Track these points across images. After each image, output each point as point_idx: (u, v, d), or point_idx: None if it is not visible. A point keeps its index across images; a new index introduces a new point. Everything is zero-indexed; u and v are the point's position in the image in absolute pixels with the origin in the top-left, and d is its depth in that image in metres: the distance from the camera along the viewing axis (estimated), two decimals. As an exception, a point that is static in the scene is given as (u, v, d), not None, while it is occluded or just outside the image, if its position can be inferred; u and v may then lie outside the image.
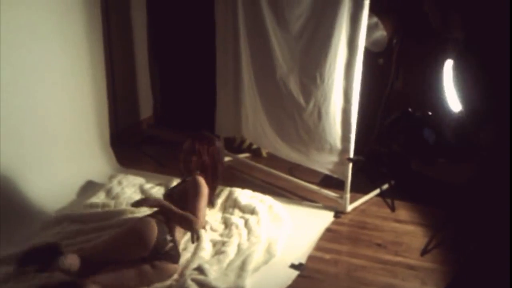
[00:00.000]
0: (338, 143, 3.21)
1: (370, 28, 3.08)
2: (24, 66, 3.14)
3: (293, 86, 3.35)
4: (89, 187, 3.57)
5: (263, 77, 3.58)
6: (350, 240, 2.98)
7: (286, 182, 3.71)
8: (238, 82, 3.81)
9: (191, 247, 2.83)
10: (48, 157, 3.40)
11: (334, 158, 3.26)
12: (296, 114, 3.39)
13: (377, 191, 3.49)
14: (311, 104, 3.26)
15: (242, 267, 2.59)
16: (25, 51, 3.13)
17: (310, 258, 2.78)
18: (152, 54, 4.96)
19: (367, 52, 3.10)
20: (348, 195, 3.25)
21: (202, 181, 2.79)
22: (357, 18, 2.89)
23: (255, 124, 3.80)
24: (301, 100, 3.32)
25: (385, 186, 3.49)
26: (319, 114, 3.24)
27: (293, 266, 2.69)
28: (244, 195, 3.30)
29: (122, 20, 4.57)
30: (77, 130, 3.69)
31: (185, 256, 2.74)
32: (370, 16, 2.99)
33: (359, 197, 3.41)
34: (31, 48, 3.18)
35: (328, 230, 3.09)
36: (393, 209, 3.31)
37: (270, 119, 3.63)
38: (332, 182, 3.45)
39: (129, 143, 4.49)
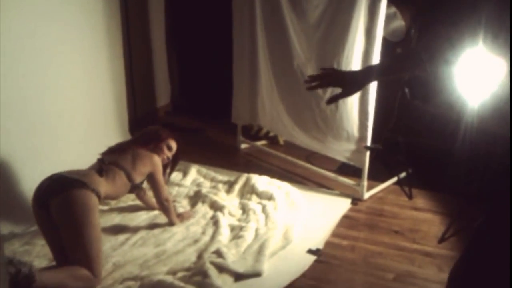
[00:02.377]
0: (355, 131, 3.21)
1: (389, 18, 3.07)
2: (43, 53, 3.17)
3: (310, 73, 3.34)
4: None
5: (280, 65, 3.59)
6: (367, 227, 2.99)
7: (303, 170, 3.72)
8: (254, 71, 3.82)
9: (210, 231, 2.87)
10: (67, 142, 3.43)
11: (352, 146, 3.27)
12: (313, 102, 3.40)
13: (394, 179, 3.49)
14: (328, 92, 3.25)
15: (260, 251, 2.62)
16: (44, 38, 3.16)
17: (327, 244, 2.80)
18: (170, 43, 5.00)
19: (385, 41, 3.09)
20: (365, 183, 3.25)
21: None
22: (375, 7, 2.89)
23: (272, 112, 3.81)
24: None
25: (403, 174, 3.49)
26: (337, 102, 3.23)
27: (310, 251, 2.71)
28: (261, 182, 3.33)
29: (140, 7, 4.60)
30: (96, 116, 3.74)
31: (203, 240, 2.78)
32: (388, 6, 2.98)
33: (377, 185, 3.42)
34: (50, 36, 3.21)
35: (345, 217, 3.10)
36: (410, 197, 3.30)
37: (287, 107, 3.64)
38: (349, 169, 3.46)
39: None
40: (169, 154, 3.03)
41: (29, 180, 2.96)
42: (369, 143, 3.17)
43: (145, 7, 4.66)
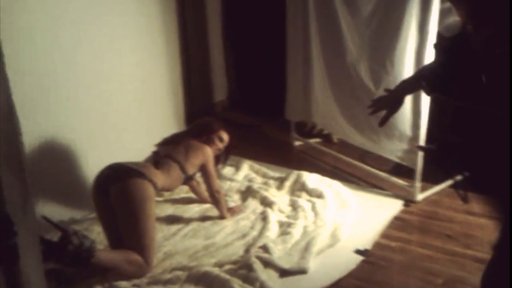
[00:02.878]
0: (408, 130, 3.15)
1: (443, 13, 2.99)
2: (100, 44, 3.28)
3: (363, 71, 3.32)
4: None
5: (333, 62, 3.57)
6: (419, 230, 2.93)
7: (356, 169, 3.69)
8: (308, 67, 3.83)
9: (258, 226, 2.91)
10: (125, 133, 3.54)
11: (404, 146, 3.21)
12: (366, 100, 3.33)
13: (450, 181, 3.39)
14: (381, 89, 3.20)
15: (306, 249, 2.63)
16: (101, 30, 3.27)
17: (376, 245, 2.77)
18: (227, 38, 5.07)
19: (440, 36, 3.01)
20: (418, 184, 3.19)
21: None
22: (428, 3, 2.82)
23: (325, 109, 3.80)
24: (371, 85, 3.29)
25: (459, 177, 3.38)
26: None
27: (358, 251, 2.69)
28: (312, 179, 3.33)
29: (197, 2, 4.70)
30: (152, 109, 3.85)
31: (251, 235, 2.82)
32: (443, 0, 2.90)
33: (431, 187, 3.33)
34: (107, 28, 3.32)
35: (397, 218, 3.05)
36: (466, 201, 3.19)
37: (340, 104, 3.62)
38: (404, 170, 3.39)
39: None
40: (220, 146, 3.09)
41: (90, 168, 3.12)
42: (422, 143, 3.10)
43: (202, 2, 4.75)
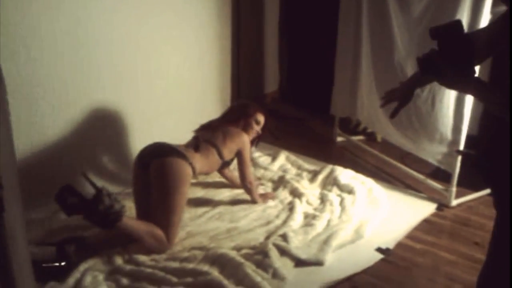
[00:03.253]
0: (449, 134, 3.06)
1: (496, 16, 2.87)
2: (155, 31, 3.40)
3: (410, 70, 3.25)
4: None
5: (381, 60, 3.52)
6: (447, 235, 2.85)
7: (395, 169, 3.63)
8: (356, 64, 3.79)
9: (284, 215, 2.94)
10: (170, 122, 3.64)
11: (443, 149, 3.12)
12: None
13: (488, 190, 3.27)
14: (426, 91, 3.14)
15: (326, 241, 2.63)
16: (156, 18, 3.39)
17: (399, 245, 2.72)
18: (282, 32, 5.09)
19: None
20: (454, 189, 3.09)
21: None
22: (478, 6, 2.73)
23: (369, 107, 3.75)
24: (417, 86, 3.21)
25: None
26: (433, 102, 3.11)
27: (379, 249, 2.66)
28: (345, 175, 3.31)
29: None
30: (200, 98, 3.94)
31: (275, 223, 2.86)
32: (497, 3, 2.78)
33: (468, 193, 3.23)
34: (162, 19, 3.44)
35: (426, 221, 2.98)
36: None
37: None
38: (443, 174, 3.30)
39: (250, 114, 4.68)
40: (258, 129, 3.13)
41: (132, 147, 3.28)
42: (461, 147, 3.00)
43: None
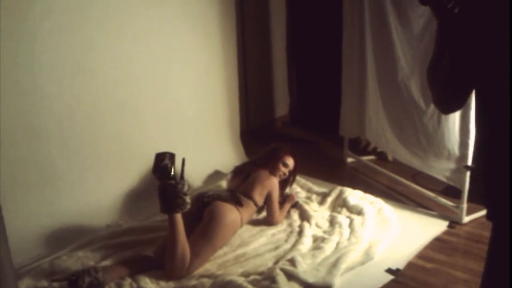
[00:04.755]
0: (456, 149, 3.04)
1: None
2: (158, 57, 3.46)
3: (414, 88, 3.26)
4: (216, 176, 3.83)
5: (386, 78, 3.53)
6: (460, 252, 2.81)
7: (406, 188, 3.60)
8: (362, 84, 3.80)
9: (293, 239, 2.93)
10: (179, 146, 3.65)
11: (452, 165, 3.09)
12: (416, 117, 3.28)
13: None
14: (431, 108, 3.13)
15: (335, 264, 2.60)
16: (158, 43, 3.46)
17: (410, 265, 2.69)
18: (290, 56, 5.14)
19: None
20: (464, 205, 3.05)
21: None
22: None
23: (377, 126, 3.75)
24: (422, 103, 3.21)
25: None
26: (439, 118, 3.10)
27: (389, 270, 2.63)
28: (354, 196, 3.30)
29: (260, 18, 4.81)
30: (208, 123, 3.98)
31: (284, 247, 2.85)
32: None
33: (480, 209, 3.17)
34: (168, 45, 3.51)
35: (438, 239, 2.94)
36: None
37: (390, 121, 3.56)
38: (455, 191, 3.26)
39: (261, 138, 4.72)
40: (285, 171, 3.21)
41: (139, 177, 3.32)
42: (469, 163, 2.97)
43: (266, 19, 4.86)
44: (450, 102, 1.35)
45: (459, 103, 1.35)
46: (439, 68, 1.33)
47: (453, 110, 1.40)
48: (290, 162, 3.24)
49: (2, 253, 1.16)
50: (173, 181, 2.49)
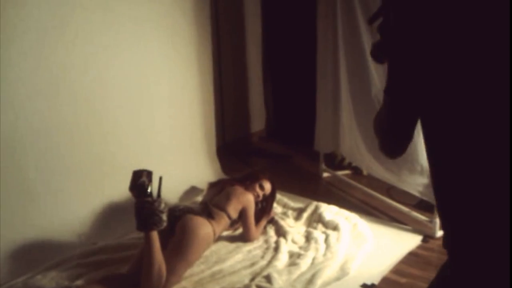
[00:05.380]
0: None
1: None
2: (136, 75, 3.49)
3: (387, 104, 3.31)
4: (192, 192, 3.82)
5: (359, 94, 3.58)
6: (433, 267, 2.84)
7: (381, 202, 3.65)
8: (336, 99, 3.86)
9: (269, 256, 2.93)
10: (155, 162, 3.65)
11: (425, 180, 3.15)
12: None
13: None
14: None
15: (311, 280, 2.62)
16: (138, 63, 3.49)
17: (384, 280, 2.72)
18: (265, 70, 5.18)
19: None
20: (437, 220, 3.10)
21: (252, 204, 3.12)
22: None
23: (351, 141, 3.80)
24: (394, 119, 3.26)
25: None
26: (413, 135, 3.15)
27: (364, 285, 2.65)
28: (329, 211, 3.33)
29: (235, 33, 4.85)
30: (184, 138, 3.98)
31: (260, 264, 2.85)
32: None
33: (453, 223, 3.23)
34: (143, 60, 3.53)
35: (412, 254, 2.98)
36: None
37: (364, 137, 3.60)
38: (428, 205, 3.32)
39: (237, 154, 4.73)
40: (260, 193, 3.22)
41: (118, 190, 3.30)
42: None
43: (241, 32, 4.90)
44: (393, 146, 1.41)
45: (402, 147, 1.40)
46: (381, 112, 1.36)
47: (398, 154, 1.43)
48: (267, 186, 3.26)
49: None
50: (150, 199, 2.49)
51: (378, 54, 1.37)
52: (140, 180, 2.50)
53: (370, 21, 1.38)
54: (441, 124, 1.22)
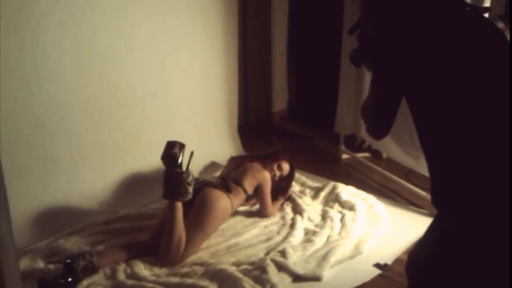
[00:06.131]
0: (448, 149, 3.09)
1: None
2: (162, 53, 3.54)
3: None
4: (212, 167, 3.88)
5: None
6: (447, 250, 2.87)
7: (399, 186, 3.66)
8: (359, 81, 3.84)
9: (284, 232, 2.99)
10: (178, 136, 3.69)
11: (443, 165, 3.15)
12: (410, 117, 3.33)
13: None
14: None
15: (325, 257, 2.67)
16: (164, 42, 3.53)
17: (398, 260, 2.75)
18: (290, 51, 5.18)
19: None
20: (454, 205, 3.11)
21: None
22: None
23: (372, 124, 3.80)
24: (417, 103, 3.27)
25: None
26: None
27: (377, 265, 2.70)
28: (346, 191, 3.36)
29: (262, 13, 4.86)
30: (207, 115, 4.03)
31: (275, 239, 2.91)
32: (496, 20, 2.83)
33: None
34: (169, 39, 3.57)
35: (426, 237, 3.00)
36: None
37: (385, 120, 3.61)
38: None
39: (259, 132, 4.77)
40: (277, 173, 3.25)
41: (140, 165, 3.39)
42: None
43: (267, 14, 4.90)
44: (381, 128, 1.65)
45: (388, 128, 1.64)
46: (368, 100, 1.61)
47: (385, 135, 1.67)
48: (286, 167, 3.29)
49: (6, 234, 1.22)
50: (179, 170, 2.59)
51: (357, 58, 1.68)
52: (172, 151, 2.60)
53: (350, 32, 1.67)
54: (427, 102, 1.49)
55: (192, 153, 2.65)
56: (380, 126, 1.64)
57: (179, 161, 2.61)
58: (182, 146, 2.64)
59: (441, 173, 1.51)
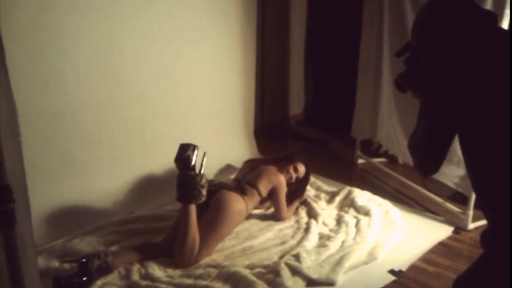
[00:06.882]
0: (466, 156, 3.07)
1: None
2: (178, 53, 3.54)
3: (428, 93, 3.28)
4: (227, 170, 3.89)
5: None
6: (463, 258, 2.84)
7: (415, 192, 3.64)
8: (377, 86, 3.83)
9: (299, 236, 2.99)
10: (194, 138, 3.70)
11: (461, 172, 3.12)
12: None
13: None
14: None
15: (339, 262, 2.66)
16: (182, 42, 3.54)
17: (412, 267, 2.73)
18: (308, 55, 5.18)
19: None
20: (470, 212, 3.08)
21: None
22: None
23: (389, 129, 3.79)
24: (435, 109, 3.24)
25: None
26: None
27: (392, 271, 2.68)
28: (362, 196, 3.35)
29: (281, 16, 4.86)
30: (224, 117, 4.04)
31: (290, 243, 2.91)
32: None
33: (486, 217, 3.20)
34: (188, 39, 3.58)
35: (442, 244, 2.98)
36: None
37: (403, 125, 3.59)
38: (462, 197, 3.30)
39: (274, 135, 4.77)
40: (293, 175, 3.25)
41: (155, 166, 3.40)
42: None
43: (285, 19, 4.90)
44: (431, 164, 1.58)
45: (439, 165, 1.57)
46: (418, 134, 1.55)
47: (435, 171, 1.60)
48: (301, 169, 3.28)
49: (26, 235, 1.24)
50: (192, 173, 2.59)
51: (403, 84, 1.61)
52: (185, 154, 2.59)
53: (398, 55, 1.61)
54: (479, 138, 1.45)
55: (204, 154, 2.65)
56: (432, 164, 1.57)
57: (192, 163, 2.61)
58: (195, 148, 2.64)
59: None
